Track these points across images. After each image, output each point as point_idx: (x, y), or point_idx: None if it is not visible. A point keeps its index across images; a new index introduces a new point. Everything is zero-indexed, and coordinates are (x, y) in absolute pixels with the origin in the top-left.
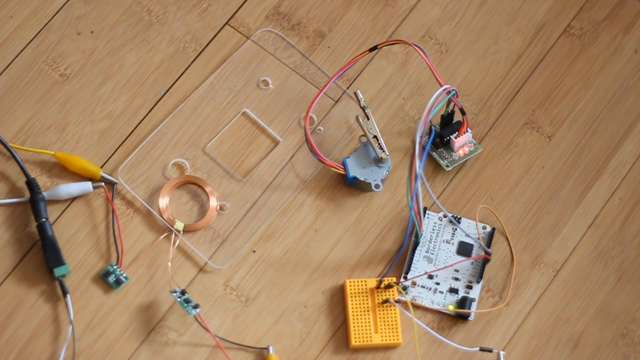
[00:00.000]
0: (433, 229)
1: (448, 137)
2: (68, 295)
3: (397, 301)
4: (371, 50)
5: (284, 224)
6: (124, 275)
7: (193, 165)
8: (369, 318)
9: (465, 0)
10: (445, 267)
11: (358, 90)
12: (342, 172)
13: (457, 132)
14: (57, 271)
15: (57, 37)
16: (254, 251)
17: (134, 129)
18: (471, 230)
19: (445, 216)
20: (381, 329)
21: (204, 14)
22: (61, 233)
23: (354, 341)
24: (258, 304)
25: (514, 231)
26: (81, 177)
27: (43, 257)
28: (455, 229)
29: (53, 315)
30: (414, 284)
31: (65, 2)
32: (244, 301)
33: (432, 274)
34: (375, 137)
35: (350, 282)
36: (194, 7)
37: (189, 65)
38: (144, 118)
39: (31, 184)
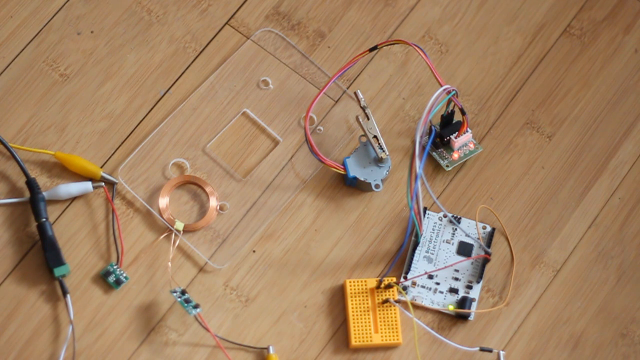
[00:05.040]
0: (433, 229)
1: (448, 137)
2: (68, 295)
3: (397, 301)
4: (371, 50)
5: (284, 224)
6: (124, 275)
7: (193, 165)
8: (369, 318)
9: (465, 0)
10: (445, 267)
11: (358, 90)
12: (342, 172)
13: (457, 132)
14: (57, 271)
15: (57, 37)
16: (254, 251)
17: (134, 129)
18: (471, 230)
19: (445, 216)
20: (381, 329)
21: (204, 14)
22: (61, 233)
23: (354, 341)
24: (258, 304)
25: (514, 231)
26: (81, 177)
27: (43, 257)
28: (455, 229)
29: (53, 315)
30: (414, 284)
31: (65, 2)
32: (244, 301)
33: (432, 274)
34: (375, 137)
35: (350, 282)
36: (194, 7)
37: (189, 65)
38: (144, 118)
39: (31, 184)
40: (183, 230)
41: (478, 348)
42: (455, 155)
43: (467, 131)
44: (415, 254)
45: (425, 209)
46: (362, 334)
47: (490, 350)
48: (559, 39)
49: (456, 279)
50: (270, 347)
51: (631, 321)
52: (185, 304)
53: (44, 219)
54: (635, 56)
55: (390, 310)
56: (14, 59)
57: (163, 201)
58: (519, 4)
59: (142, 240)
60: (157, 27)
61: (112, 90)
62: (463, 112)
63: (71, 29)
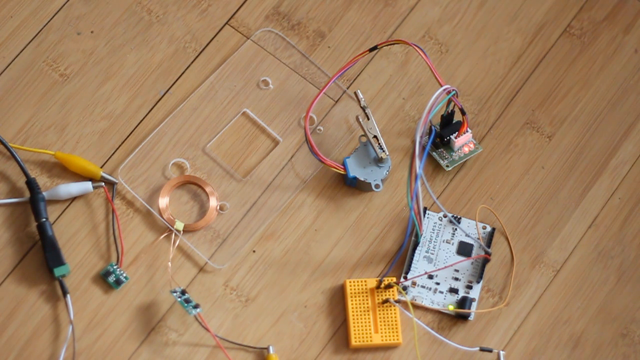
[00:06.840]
0: (433, 229)
1: (448, 137)
2: (68, 295)
3: (397, 301)
4: (371, 50)
5: (284, 224)
6: (124, 275)
7: (193, 165)
8: (369, 318)
9: (465, 0)
10: (445, 267)
11: (358, 90)
12: (342, 172)
13: (457, 132)
14: (57, 271)
15: (57, 37)
16: (254, 251)
17: (134, 129)
18: (471, 230)
19: (445, 216)
20: (381, 329)
21: (204, 14)
22: (61, 233)
23: (354, 341)
24: (258, 304)
25: (514, 231)
26: (81, 177)
27: (43, 257)
28: (455, 229)
29: (53, 315)
30: (414, 284)
31: (65, 2)
32: (244, 301)
33: (432, 274)
34: (375, 137)
35: (350, 282)
36: (194, 7)
37: (189, 65)
38: (144, 118)
39: (31, 184)
40: (183, 230)
41: (478, 348)
42: (456, 156)
43: (467, 131)
44: (415, 254)
45: (425, 209)
46: (362, 334)
47: (490, 350)
48: (559, 39)
49: (456, 279)
50: (270, 347)
51: (631, 321)
52: (185, 304)
53: (44, 219)
54: (635, 56)
55: (390, 310)
56: (14, 59)
57: (163, 201)
58: (519, 4)
59: (142, 240)
60: (157, 27)
61: (112, 90)
62: (463, 112)
63: (71, 29)
